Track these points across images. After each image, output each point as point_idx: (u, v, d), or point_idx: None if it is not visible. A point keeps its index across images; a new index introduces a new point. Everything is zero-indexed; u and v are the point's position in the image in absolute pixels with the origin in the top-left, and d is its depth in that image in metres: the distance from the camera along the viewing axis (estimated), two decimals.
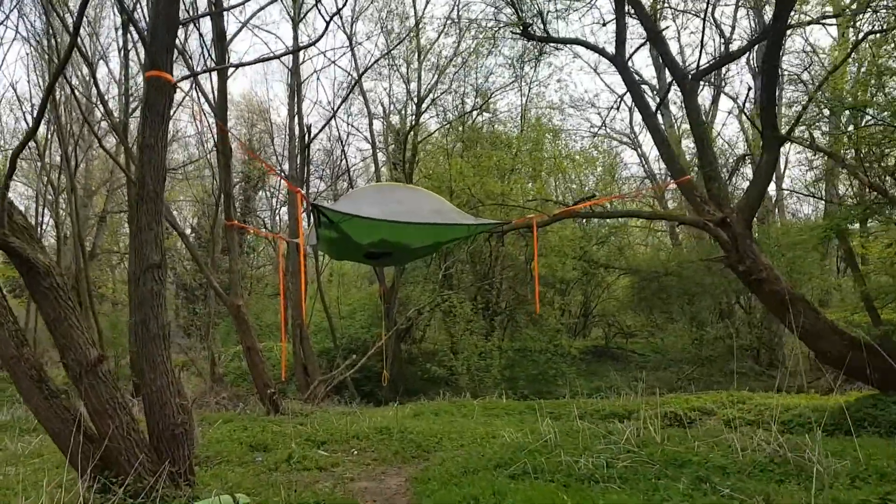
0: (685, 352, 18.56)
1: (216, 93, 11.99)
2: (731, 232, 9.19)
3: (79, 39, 14.39)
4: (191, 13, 12.68)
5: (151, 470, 5.06)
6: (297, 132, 16.97)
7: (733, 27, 17.38)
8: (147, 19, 11.19)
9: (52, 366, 15.62)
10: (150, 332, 5.25)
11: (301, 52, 17.56)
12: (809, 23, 10.15)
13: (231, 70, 13.35)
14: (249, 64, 12.57)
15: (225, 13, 11.62)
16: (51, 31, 15.64)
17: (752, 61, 20.89)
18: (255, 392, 14.16)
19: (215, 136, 14.32)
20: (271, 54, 14.54)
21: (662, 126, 12.81)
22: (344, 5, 13.77)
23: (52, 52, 15.82)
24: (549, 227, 14.51)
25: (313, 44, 5.76)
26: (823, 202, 20.50)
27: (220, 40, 11.44)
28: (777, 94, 10.57)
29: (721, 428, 8.72)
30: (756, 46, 14.64)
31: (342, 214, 6.36)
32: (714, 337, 18.24)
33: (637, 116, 25.72)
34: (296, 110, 17.19)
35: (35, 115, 5.17)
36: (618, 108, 23.91)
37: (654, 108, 11.05)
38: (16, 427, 9.65)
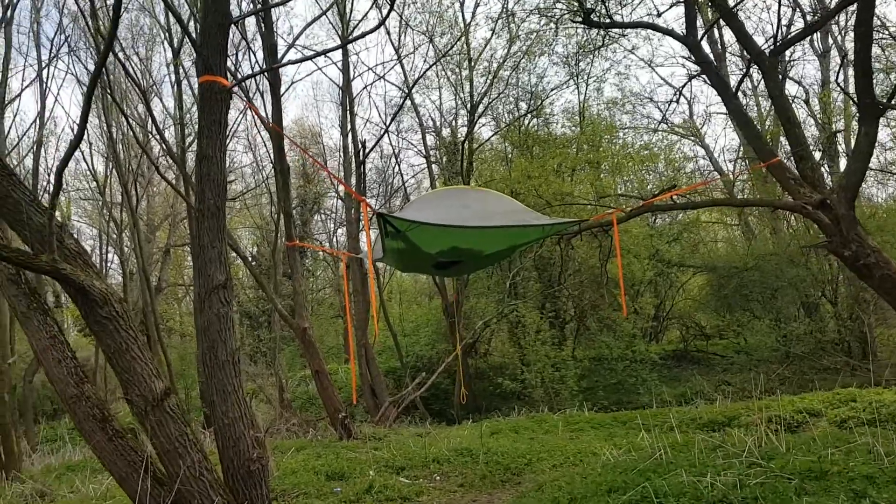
0: (773, 350, 17.33)
1: (271, 104, 11.83)
2: (833, 214, 8.33)
3: (132, 72, 14.48)
4: (239, 28, 12.57)
5: None
6: (351, 149, 16.75)
7: (794, 7, 16.30)
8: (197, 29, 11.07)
9: (119, 403, 15.65)
10: (218, 359, 4.79)
11: (351, 70, 17.39)
12: None
13: (285, 86, 13.16)
14: (306, 59, 12.47)
15: (275, 31, 11.46)
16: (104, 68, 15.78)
17: (815, 42, 19.79)
18: (324, 416, 13.80)
19: (272, 155, 14.20)
20: (324, 55, 14.27)
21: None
22: None
23: (104, 88, 15.64)
24: (619, 226, 13.70)
25: (374, 30, 5.29)
26: None
27: (272, 56, 11.33)
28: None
29: (836, 430, 7.87)
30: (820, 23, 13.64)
31: (409, 222, 5.87)
32: (803, 332, 16.97)
33: (697, 108, 24.74)
34: (349, 127, 16.99)
35: (79, 122, 4.77)
36: (677, 101, 23.02)
37: (733, 90, 10.19)
38: (87, 467, 9.45)
